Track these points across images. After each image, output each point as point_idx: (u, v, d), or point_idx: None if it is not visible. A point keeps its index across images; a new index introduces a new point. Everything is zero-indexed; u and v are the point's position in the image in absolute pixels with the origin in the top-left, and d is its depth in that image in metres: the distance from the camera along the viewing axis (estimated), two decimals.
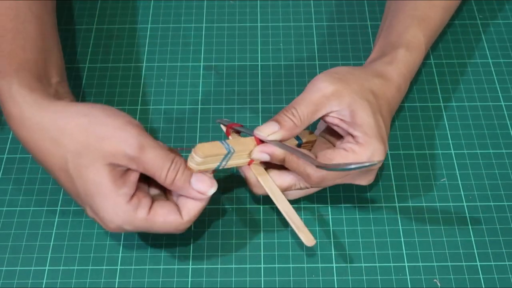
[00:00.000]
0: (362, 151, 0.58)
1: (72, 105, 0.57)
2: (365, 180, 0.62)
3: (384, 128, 0.60)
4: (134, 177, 0.56)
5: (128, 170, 0.56)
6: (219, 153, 0.58)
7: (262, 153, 0.59)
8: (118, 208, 0.55)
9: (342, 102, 0.59)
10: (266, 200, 0.65)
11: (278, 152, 0.59)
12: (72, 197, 0.58)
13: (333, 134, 0.64)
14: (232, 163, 0.59)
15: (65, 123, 0.55)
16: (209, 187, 0.57)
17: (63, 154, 0.55)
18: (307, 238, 0.58)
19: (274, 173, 0.61)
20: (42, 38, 0.64)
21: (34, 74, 0.60)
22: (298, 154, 0.58)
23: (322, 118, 0.61)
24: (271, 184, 0.60)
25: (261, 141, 0.60)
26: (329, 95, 0.59)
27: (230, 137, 0.62)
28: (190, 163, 0.57)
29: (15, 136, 0.59)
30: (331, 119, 0.61)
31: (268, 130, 0.59)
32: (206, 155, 0.57)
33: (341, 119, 0.60)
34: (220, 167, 0.59)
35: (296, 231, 0.59)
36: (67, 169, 0.55)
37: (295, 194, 0.63)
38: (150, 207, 0.56)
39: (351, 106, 0.59)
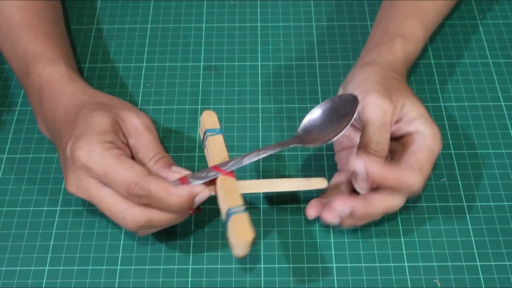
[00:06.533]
0: (434, 143, 0.60)
1: None
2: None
3: None
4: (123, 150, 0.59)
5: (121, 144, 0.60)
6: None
7: (334, 218, 0.58)
8: (95, 137, 0.57)
9: (397, 107, 0.60)
10: (266, 200, 0.65)
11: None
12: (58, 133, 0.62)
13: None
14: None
15: (99, 94, 0.65)
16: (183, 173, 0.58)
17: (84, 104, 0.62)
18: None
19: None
20: (65, 37, 0.73)
21: (72, 66, 0.68)
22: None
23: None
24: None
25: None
26: (392, 109, 0.60)
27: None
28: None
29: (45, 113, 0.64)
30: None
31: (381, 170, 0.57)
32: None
33: (396, 122, 0.61)
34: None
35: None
36: (78, 112, 0.61)
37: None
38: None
39: (403, 106, 0.61)
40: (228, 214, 0.56)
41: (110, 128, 0.59)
